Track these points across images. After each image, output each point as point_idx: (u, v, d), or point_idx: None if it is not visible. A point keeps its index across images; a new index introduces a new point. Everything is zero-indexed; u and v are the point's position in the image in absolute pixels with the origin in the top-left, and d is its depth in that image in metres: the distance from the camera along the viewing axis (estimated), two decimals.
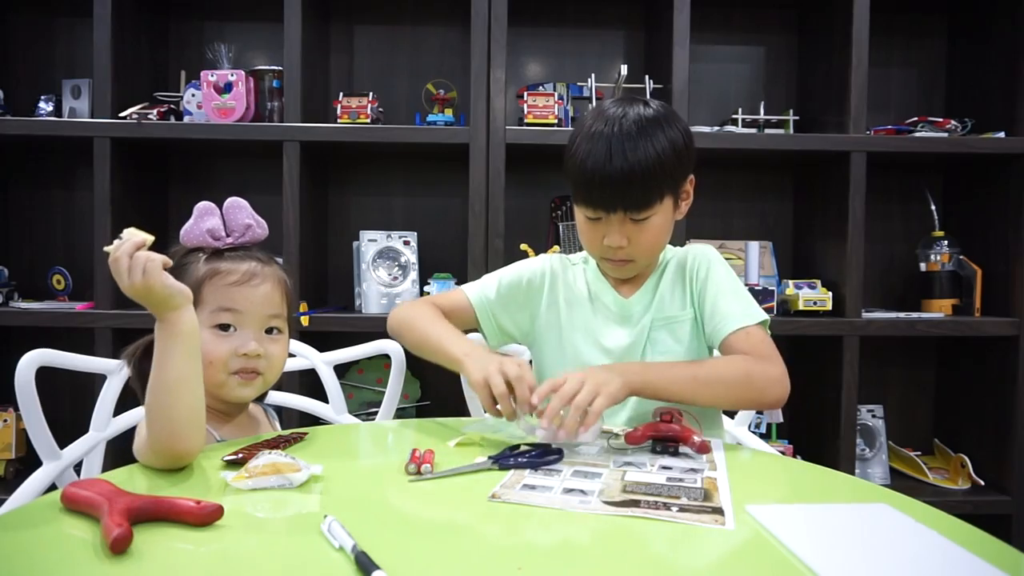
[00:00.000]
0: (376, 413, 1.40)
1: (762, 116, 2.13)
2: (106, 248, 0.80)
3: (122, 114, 1.96)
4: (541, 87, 2.09)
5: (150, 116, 1.97)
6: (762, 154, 2.11)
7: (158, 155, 2.24)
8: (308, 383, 1.70)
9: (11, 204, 2.25)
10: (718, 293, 1.16)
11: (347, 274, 2.20)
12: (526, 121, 2.01)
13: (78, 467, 1.15)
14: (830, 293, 2.02)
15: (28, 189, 2.26)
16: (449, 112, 2.08)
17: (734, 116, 2.10)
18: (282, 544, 0.64)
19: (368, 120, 2.02)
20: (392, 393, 1.36)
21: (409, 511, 0.74)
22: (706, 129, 2.07)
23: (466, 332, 1.19)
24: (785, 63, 2.34)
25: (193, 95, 2.02)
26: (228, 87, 1.97)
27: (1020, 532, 2.02)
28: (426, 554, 0.62)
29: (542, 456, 0.87)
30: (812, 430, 2.19)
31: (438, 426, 1.08)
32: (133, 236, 0.80)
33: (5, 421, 2.05)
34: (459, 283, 1.30)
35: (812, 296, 2.02)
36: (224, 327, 0.98)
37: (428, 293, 2.00)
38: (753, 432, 1.51)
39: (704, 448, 0.91)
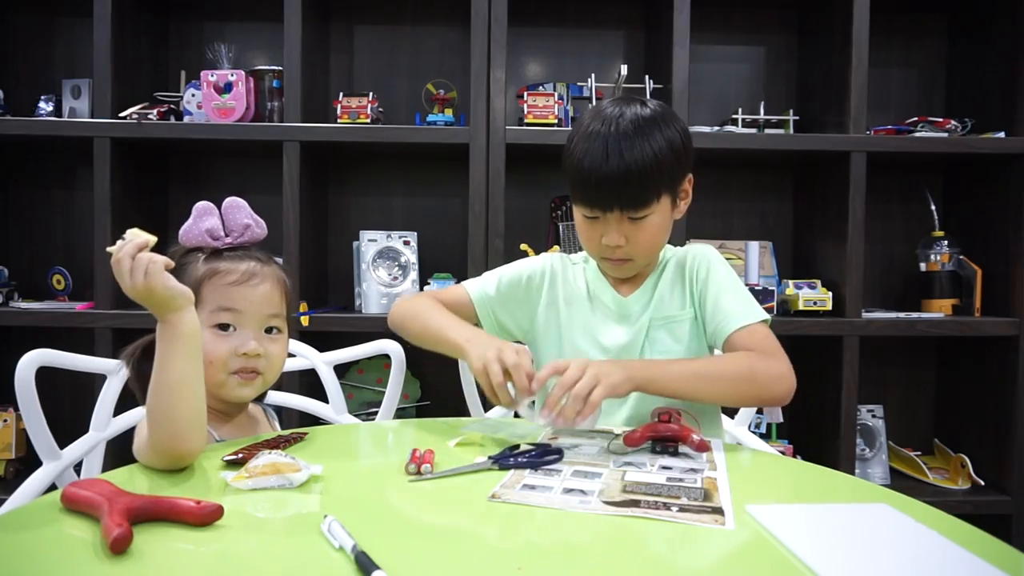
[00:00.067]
0: (376, 413, 1.40)
1: (762, 116, 2.13)
2: (108, 249, 0.80)
3: (122, 114, 1.96)
4: (541, 87, 2.09)
5: (150, 116, 1.97)
6: (762, 154, 2.11)
7: (158, 155, 2.24)
8: (308, 383, 1.70)
9: (11, 204, 2.25)
10: (719, 292, 1.16)
11: (347, 274, 2.20)
12: (526, 121, 2.01)
13: (78, 467, 1.15)
14: (830, 293, 2.02)
15: (28, 189, 2.26)
16: (449, 112, 2.08)
17: (734, 116, 2.10)
18: (282, 544, 0.64)
19: (368, 120, 2.02)
20: (392, 393, 1.36)
21: (409, 511, 0.74)
22: (706, 129, 2.07)
23: None
24: (785, 63, 2.34)
25: (193, 95, 2.02)
26: (228, 87, 1.97)
27: (1020, 532, 2.02)
28: (426, 554, 0.62)
29: (542, 456, 0.87)
30: (812, 430, 2.19)
31: (438, 426, 1.08)
32: (136, 237, 0.80)
33: (5, 421, 2.05)
34: (459, 283, 1.31)
35: (812, 296, 2.02)
36: (223, 327, 0.98)
37: None
38: (753, 432, 1.51)
39: (703, 446, 0.91)
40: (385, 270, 2.08)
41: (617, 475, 0.82)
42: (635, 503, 0.73)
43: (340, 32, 2.29)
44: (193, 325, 0.83)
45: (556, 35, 2.32)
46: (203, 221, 0.99)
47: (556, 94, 2.03)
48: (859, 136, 1.98)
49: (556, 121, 2.01)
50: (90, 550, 0.60)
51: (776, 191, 2.36)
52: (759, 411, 2.10)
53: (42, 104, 2.09)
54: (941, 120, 2.10)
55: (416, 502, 0.75)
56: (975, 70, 2.22)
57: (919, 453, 2.25)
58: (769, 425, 2.16)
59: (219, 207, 1.01)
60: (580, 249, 1.27)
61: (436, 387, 2.26)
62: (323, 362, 1.39)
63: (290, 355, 1.32)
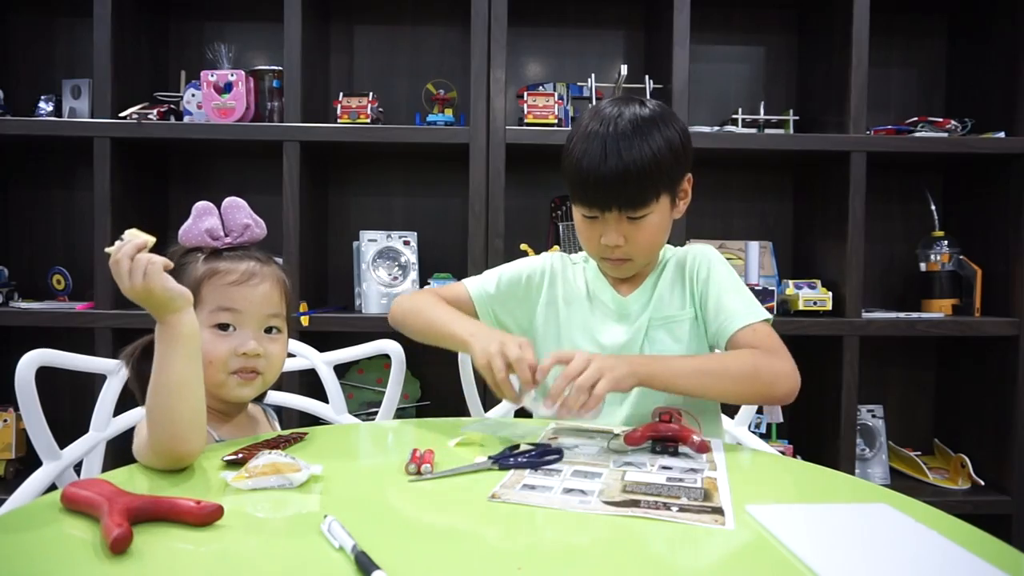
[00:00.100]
0: (376, 413, 1.40)
1: (762, 116, 2.13)
2: (107, 249, 0.80)
3: (122, 114, 1.96)
4: (541, 87, 2.09)
5: (150, 116, 1.97)
6: (762, 154, 2.11)
7: (158, 155, 2.24)
8: (308, 383, 1.70)
9: (11, 204, 2.25)
10: (721, 292, 1.16)
11: (347, 274, 2.20)
12: (526, 121, 2.01)
13: (78, 467, 1.15)
14: (830, 293, 2.02)
15: (28, 189, 2.26)
16: (449, 112, 2.08)
17: (734, 116, 2.10)
18: (282, 544, 0.64)
19: (368, 120, 2.02)
20: (392, 393, 1.36)
21: (409, 511, 0.74)
22: (706, 129, 2.07)
23: None
24: (785, 63, 2.34)
25: (193, 95, 2.02)
26: (228, 87, 1.97)
27: (1020, 532, 2.02)
28: (426, 554, 0.62)
29: (542, 456, 0.87)
30: (812, 430, 2.19)
31: (438, 426, 1.08)
32: (134, 238, 0.80)
33: (5, 421, 2.05)
34: (459, 281, 1.31)
35: (812, 296, 2.02)
36: (223, 327, 0.98)
37: None
38: (753, 432, 1.51)
39: (703, 447, 0.91)
40: (385, 270, 2.08)
41: (617, 475, 0.82)
42: (635, 503, 0.73)
43: (340, 32, 2.29)
44: (192, 326, 0.83)
45: (556, 35, 2.32)
46: (203, 221, 0.99)
47: (556, 94, 2.03)
48: (859, 136, 1.98)
49: (556, 121, 2.01)
50: (90, 550, 0.60)
51: (776, 191, 2.36)
52: (759, 411, 2.10)
53: (42, 104, 2.09)
54: (941, 120, 2.10)
55: (416, 502, 0.75)
56: (975, 70, 2.22)
57: (919, 453, 2.25)
58: (769, 425, 2.16)
59: (219, 207, 1.01)
60: (580, 249, 1.27)
61: (436, 387, 2.26)
62: (323, 362, 1.39)
63: (290, 355, 1.32)
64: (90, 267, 2.00)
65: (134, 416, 1.17)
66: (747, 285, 1.22)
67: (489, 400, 1.73)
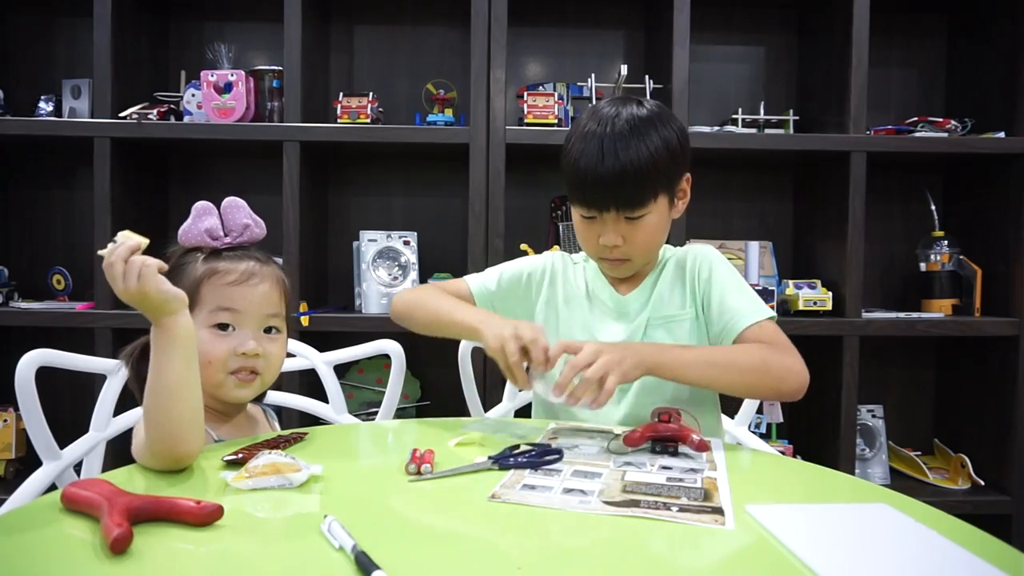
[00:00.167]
0: (376, 413, 1.40)
1: (762, 116, 2.13)
2: (100, 252, 0.80)
3: (122, 114, 1.96)
4: (541, 87, 2.09)
5: (150, 116, 1.97)
6: (762, 154, 2.11)
7: (158, 155, 2.24)
8: (308, 383, 1.70)
9: (11, 204, 2.25)
10: (724, 291, 1.16)
11: (347, 274, 2.20)
12: (526, 121, 2.01)
13: (78, 467, 1.15)
14: (830, 293, 2.02)
15: (28, 189, 2.26)
16: (449, 112, 2.08)
17: (734, 116, 2.10)
18: (282, 544, 0.64)
19: (368, 120, 2.02)
20: (392, 393, 1.36)
21: (409, 511, 0.74)
22: (706, 129, 2.07)
23: None
24: (785, 63, 2.34)
25: (193, 95, 2.02)
26: (228, 87, 1.97)
27: (1020, 532, 2.02)
28: (426, 554, 0.62)
29: (542, 456, 0.87)
30: (812, 430, 2.19)
31: (438, 426, 1.08)
32: (127, 240, 0.79)
33: (5, 421, 2.05)
34: (461, 277, 1.31)
35: (812, 296, 2.02)
36: (223, 327, 0.98)
37: None
38: (753, 432, 1.51)
39: (703, 446, 0.91)
40: (385, 270, 2.08)
41: (617, 475, 0.82)
42: (635, 503, 0.73)
43: (340, 32, 2.29)
44: (188, 328, 0.83)
45: (556, 35, 2.32)
46: (202, 221, 0.99)
47: (556, 94, 2.03)
48: (859, 136, 1.98)
49: (556, 121, 2.01)
50: (90, 550, 0.60)
51: (776, 191, 2.36)
52: (759, 411, 2.11)
53: (42, 104, 2.09)
54: (941, 120, 2.10)
55: (416, 502, 0.75)
56: (975, 70, 2.22)
57: (919, 453, 2.25)
58: (769, 425, 2.16)
59: (218, 207, 1.01)
60: (580, 249, 1.27)
61: (436, 387, 2.26)
62: (323, 362, 1.39)
63: (290, 355, 1.32)
64: (90, 267, 2.00)
65: (134, 416, 1.17)
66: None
67: (489, 400, 1.73)
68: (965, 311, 2.12)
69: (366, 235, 2.09)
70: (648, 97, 2.02)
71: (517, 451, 0.89)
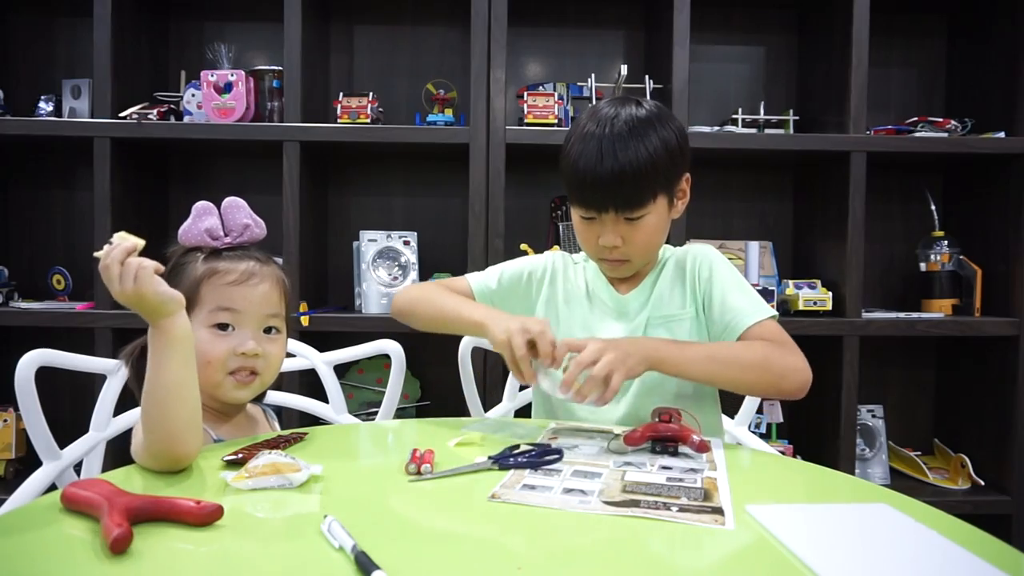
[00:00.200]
0: (376, 413, 1.40)
1: (762, 116, 2.13)
2: (96, 254, 0.79)
3: (122, 114, 1.96)
4: (541, 87, 2.09)
5: (150, 116, 1.97)
6: (762, 154, 2.11)
7: (158, 155, 2.24)
8: (308, 383, 1.70)
9: (11, 204, 2.25)
10: (725, 291, 1.16)
11: (347, 274, 2.20)
12: (526, 121, 2.01)
13: (78, 467, 1.15)
14: (830, 293, 2.02)
15: (28, 189, 2.26)
16: (449, 112, 2.08)
17: (734, 116, 2.10)
18: (282, 544, 0.64)
19: (368, 120, 2.02)
20: (392, 393, 1.36)
21: (409, 511, 0.74)
22: (706, 129, 2.07)
23: None
24: (785, 63, 2.34)
25: (193, 95, 2.02)
26: (228, 87, 1.97)
27: (1020, 532, 2.02)
28: (426, 554, 0.62)
29: (542, 456, 0.87)
30: (812, 430, 2.19)
31: (438, 426, 1.08)
32: (123, 241, 0.79)
33: (5, 421, 2.05)
34: (462, 276, 1.31)
35: (812, 296, 2.02)
36: (222, 326, 0.98)
37: None
38: (753, 432, 1.51)
39: (703, 447, 0.91)
40: (385, 270, 2.08)
41: (617, 475, 0.82)
42: (635, 503, 0.73)
43: (340, 32, 2.29)
44: (185, 329, 0.82)
45: (556, 35, 2.32)
46: (202, 221, 0.99)
47: (556, 94, 2.03)
48: (859, 136, 1.98)
49: (556, 121, 2.01)
50: (90, 550, 0.60)
51: (776, 191, 2.36)
52: (759, 411, 2.11)
53: (42, 104, 2.09)
54: (941, 120, 2.10)
55: (416, 502, 0.75)
56: (975, 70, 2.22)
57: (919, 453, 2.25)
58: (769, 425, 2.16)
59: (219, 207, 1.01)
60: (581, 249, 1.27)
61: (436, 387, 2.26)
62: (323, 362, 1.39)
63: (290, 355, 1.32)
64: (90, 267, 1.99)
65: (134, 416, 1.17)
66: None
67: (489, 400, 1.73)
68: (965, 311, 2.12)
69: (366, 235, 2.09)
70: (648, 97, 2.02)
71: (517, 451, 0.89)
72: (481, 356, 1.94)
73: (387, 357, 1.35)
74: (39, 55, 2.24)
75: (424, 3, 2.28)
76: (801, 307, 2.01)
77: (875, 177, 2.05)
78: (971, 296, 2.10)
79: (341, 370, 1.70)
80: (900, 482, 2.17)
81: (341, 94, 2.05)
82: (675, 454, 0.92)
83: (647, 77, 2.08)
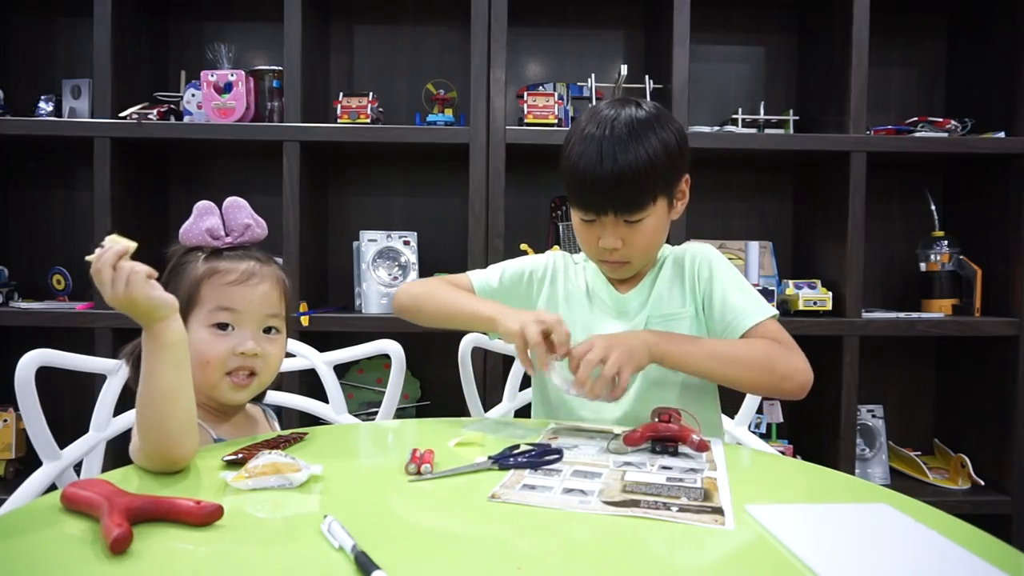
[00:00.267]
0: (376, 413, 1.40)
1: (762, 116, 2.13)
2: (88, 258, 0.78)
3: (122, 114, 1.96)
4: (541, 87, 2.09)
5: (150, 116, 1.97)
6: (762, 154, 2.11)
7: (158, 155, 2.24)
8: (308, 383, 1.70)
9: (11, 204, 2.25)
10: (726, 291, 1.17)
11: (347, 274, 2.20)
12: (526, 121, 2.01)
13: (78, 467, 1.15)
14: (830, 293, 2.02)
15: (28, 189, 2.26)
16: (449, 112, 2.08)
17: (734, 116, 2.10)
18: (282, 544, 0.64)
19: (368, 120, 2.02)
20: (392, 393, 1.36)
21: (409, 511, 0.74)
22: (706, 129, 2.07)
23: None
24: (785, 63, 2.34)
25: (193, 95, 2.02)
26: (228, 87, 1.97)
27: (1020, 532, 2.02)
28: (426, 554, 0.62)
29: (542, 456, 0.87)
30: (812, 430, 2.19)
31: (438, 426, 1.08)
32: (115, 244, 0.78)
33: (5, 421, 2.05)
34: (464, 273, 1.31)
35: (812, 296, 2.02)
36: (222, 326, 0.98)
37: None
38: (753, 432, 1.51)
39: (703, 447, 0.91)
40: (385, 270, 2.08)
41: (617, 475, 0.82)
42: (635, 503, 0.73)
43: (340, 32, 2.29)
44: (178, 334, 0.82)
45: (556, 35, 2.32)
46: (204, 220, 0.99)
47: (556, 94, 2.03)
48: (859, 136, 1.98)
49: (556, 121, 2.01)
50: (90, 550, 0.60)
51: (776, 191, 2.36)
52: (759, 411, 2.11)
53: (42, 104, 2.09)
54: (941, 120, 2.10)
55: (416, 502, 0.75)
56: (975, 70, 2.22)
57: (919, 453, 2.25)
58: (769, 425, 2.16)
59: (220, 207, 1.01)
60: (581, 249, 1.27)
61: (436, 387, 2.26)
62: (323, 362, 1.39)
63: (290, 355, 1.33)
64: (90, 267, 1.99)
65: (134, 416, 1.17)
66: None
67: (489, 400, 1.73)
68: (965, 311, 2.12)
69: (366, 235, 2.09)
70: (648, 97, 2.02)
71: (517, 451, 0.89)
72: (481, 356, 1.94)
73: (387, 357, 1.35)
74: (39, 55, 2.24)
75: (424, 3, 2.28)
76: (801, 307, 2.01)
77: (875, 177, 2.05)
78: (971, 296, 2.10)
79: (341, 370, 1.70)
80: (900, 482, 2.17)
81: (341, 94, 2.05)
82: (675, 454, 0.92)
83: (647, 77, 2.08)
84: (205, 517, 0.64)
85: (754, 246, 2.09)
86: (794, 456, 2.02)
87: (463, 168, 2.00)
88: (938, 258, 2.15)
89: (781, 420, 2.16)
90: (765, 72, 2.35)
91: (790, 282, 2.07)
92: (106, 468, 1.11)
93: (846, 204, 1.99)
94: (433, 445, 0.87)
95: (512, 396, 1.50)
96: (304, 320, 1.92)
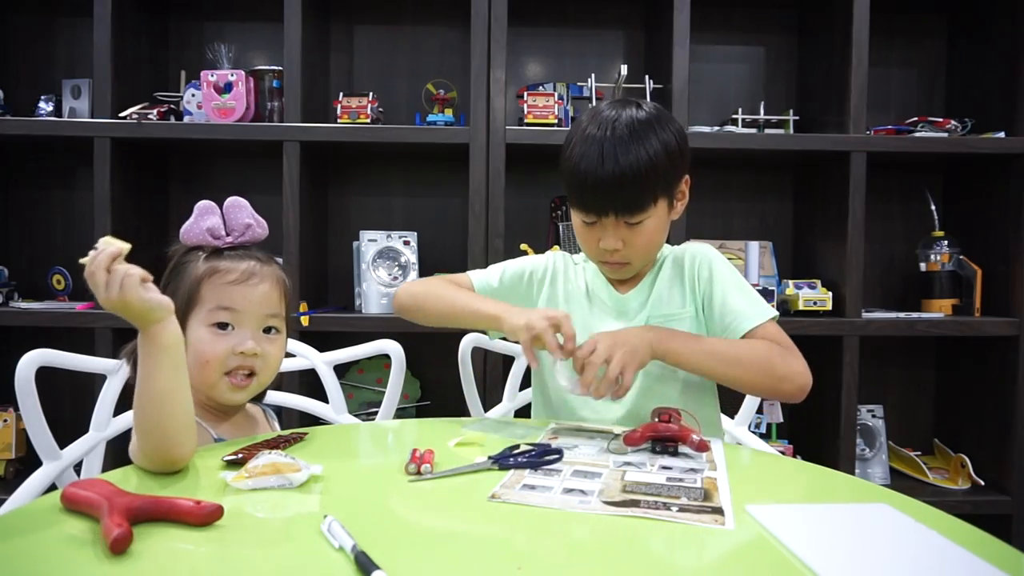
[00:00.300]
0: (376, 413, 1.40)
1: (762, 116, 2.13)
2: (82, 260, 0.78)
3: (122, 114, 1.96)
4: (541, 87, 2.09)
5: (150, 116, 1.97)
6: (762, 154, 2.11)
7: (158, 155, 2.24)
8: (308, 383, 1.70)
9: (11, 204, 2.25)
10: (726, 292, 1.17)
11: (347, 274, 2.20)
12: (526, 121, 2.01)
13: (78, 467, 1.15)
14: (830, 293, 2.02)
15: (28, 189, 2.26)
16: (449, 112, 2.08)
17: (734, 116, 2.10)
18: (282, 544, 0.64)
19: (368, 120, 2.02)
20: (392, 393, 1.35)
21: (409, 511, 0.74)
22: (706, 129, 2.07)
23: None
24: (785, 63, 2.34)
25: (193, 95, 2.02)
26: (228, 87, 1.97)
27: (1020, 532, 2.02)
28: (426, 554, 0.62)
29: (542, 456, 0.87)
30: (812, 430, 2.19)
31: (438, 426, 1.08)
32: (108, 246, 0.77)
33: (5, 421, 2.05)
34: (464, 272, 1.32)
35: (812, 296, 2.02)
36: (222, 326, 0.98)
37: None
38: (753, 432, 1.51)
39: (703, 446, 0.91)
40: (385, 270, 2.08)
41: (617, 475, 0.82)
42: (635, 503, 0.73)
43: (340, 32, 2.29)
44: (174, 336, 0.81)
45: (556, 35, 2.32)
46: (204, 220, 0.99)
47: (556, 94, 2.03)
48: (859, 136, 1.98)
49: (556, 121, 2.01)
50: (90, 550, 0.60)
51: (776, 191, 2.36)
52: (759, 411, 2.11)
53: (42, 104, 2.09)
54: (941, 120, 2.10)
55: (416, 502, 0.75)
56: (975, 70, 2.22)
57: (919, 453, 2.25)
58: (769, 425, 2.16)
59: (220, 206, 1.01)
60: (581, 250, 1.27)
61: (436, 387, 2.26)
62: (323, 362, 1.39)
63: (290, 355, 1.33)
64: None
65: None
66: None
67: (489, 400, 1.73)
68: (965, 311, 2.12)
69: (366, 235, 2.09)
70: (648, 97, 2.02)
71: (517, 451, 0.89)
72: (481, 356, 1.94)
73: (387, 357, 1.35)
74: (39, 55, 2.24)
75: (424, 3, 2.28)
76: (801, 307, 2.01)
77: (875, 177, 2.05)
78: (971, 296, 2.10)
79: (341, 370, 1.70)
80: (900, 482, 2.17)
81: (341, 94, 2.05)
82: (675, 454, 0.92)
83: (647, 77, 2.08)
84: (205, 517, 0.64)
85: (754, 246, 2.09)
86: (794, 456, 2.02)
87: (463, 168, 2.00)
88: (938, 258, 2.15)
89: (781, 420, 2.16)
90: (765, 72, 2.35)
91: (790, 282, 2.07)
92: (106, 468, 1.11)
93: (846, 204, 1.99)
94: (433, 445, 0.87)
95: (512, 396, 1.50)
96: (304, 320, 1.92)
